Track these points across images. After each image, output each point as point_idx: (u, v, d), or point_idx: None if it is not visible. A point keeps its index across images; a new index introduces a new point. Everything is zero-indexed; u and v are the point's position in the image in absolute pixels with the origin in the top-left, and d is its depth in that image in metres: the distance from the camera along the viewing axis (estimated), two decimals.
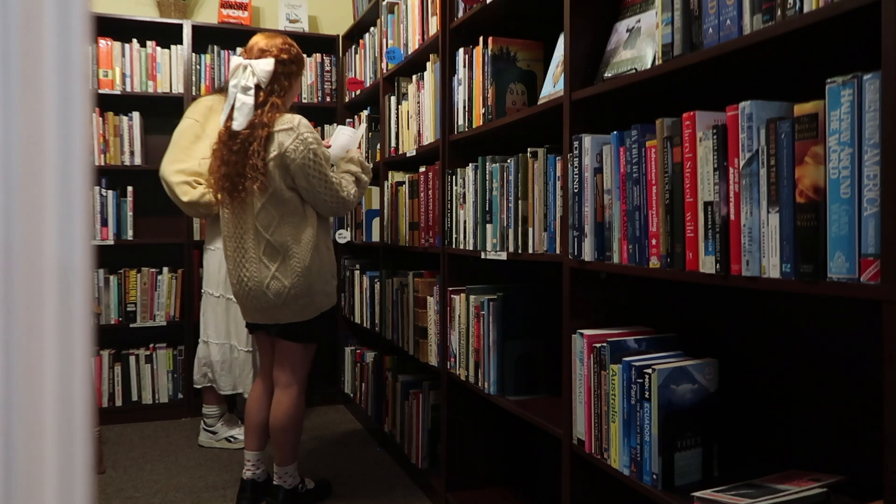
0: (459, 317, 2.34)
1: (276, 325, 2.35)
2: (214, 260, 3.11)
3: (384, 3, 3.22)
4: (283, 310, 2.29)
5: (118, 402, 3.63)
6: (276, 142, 2.18)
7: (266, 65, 2.20)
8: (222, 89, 3.08)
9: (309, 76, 4.00)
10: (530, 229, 1.92)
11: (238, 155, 2.18)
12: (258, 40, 2.30)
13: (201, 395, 3.27)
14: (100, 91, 3.60)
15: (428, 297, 2.61)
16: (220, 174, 2.23)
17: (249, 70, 2.20)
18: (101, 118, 3.62)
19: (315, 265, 2.27)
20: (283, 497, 2.44)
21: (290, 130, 2.19)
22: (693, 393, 1.44)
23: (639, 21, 1.61)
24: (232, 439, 3.25)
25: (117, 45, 3.65)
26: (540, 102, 1.94)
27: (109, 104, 3.71)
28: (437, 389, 2.67)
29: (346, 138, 2.45)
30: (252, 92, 2.19)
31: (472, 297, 2.25)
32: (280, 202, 2.21)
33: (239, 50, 3.73)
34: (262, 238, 2.23)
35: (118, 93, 3.63)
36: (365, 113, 3.59)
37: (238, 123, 2.17)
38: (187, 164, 2.98)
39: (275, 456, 2.46)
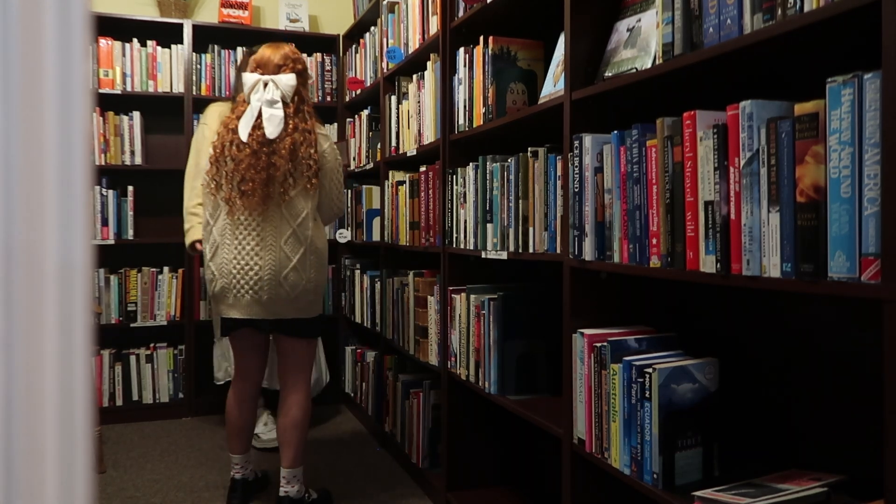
0: (460, 316, 2.34)
1: (271, 322, 2.32)
2: None
3: (384, 2, 3.21)
4: (292, 304, 2.30)
5: (118, 402, 3.63)
6: (318, 142, 2.34)
7: (289, 80, 2.29)
8: (233, 99, 3.07)
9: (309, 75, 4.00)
10: (531, 229, 1.92)
11: (284, 159, 2.24)
12: (269, 55, 2.32)
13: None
14: (100, 91, 3.60)
15: (428, 297, 2.62)
16: (260, 178, 2.22)
17: (272, 85, 2.28)
18: (101, 118, 3.62)
19: (325, 267, 2.40)
20: None
21: (327, 136, 2.40)
22: (693, 392, 1.44)
23: (639, 20, 1.61)
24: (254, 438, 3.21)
25: (118, 44, 3.65)
26: (540, 102, 1.93)
27: (110, 104, 3.71)
28: (438, 389, 2.67)
29: None
30: (279, 105, 2.27)
31: (472, 297, 2.25)
32: (311, 197, 2.32)
33: (240, 51, 3.75)
34: (286, 227, 2.27)
35: (118, 92, 3.63)
36: (365, 112, 3.59)
37: (271, 132, 2.24)
38: None
39: (284, 458, 2.38)
